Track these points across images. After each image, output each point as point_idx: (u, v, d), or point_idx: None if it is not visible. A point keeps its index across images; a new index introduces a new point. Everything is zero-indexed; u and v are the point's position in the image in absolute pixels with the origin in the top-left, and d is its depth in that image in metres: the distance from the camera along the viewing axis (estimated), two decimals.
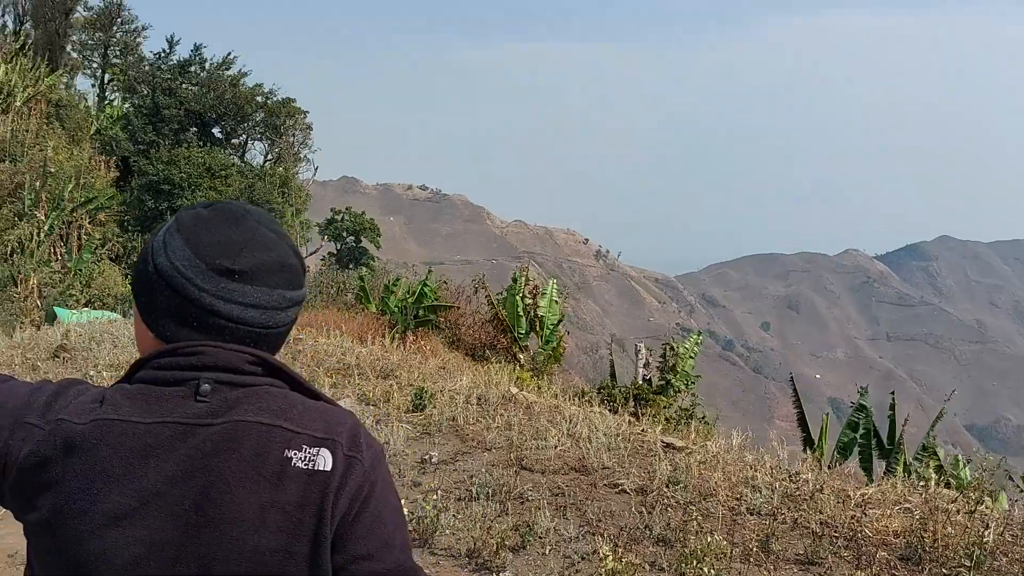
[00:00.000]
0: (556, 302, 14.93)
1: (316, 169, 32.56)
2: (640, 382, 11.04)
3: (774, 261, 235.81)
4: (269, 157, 31.02)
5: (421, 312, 12.94)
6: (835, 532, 5.41)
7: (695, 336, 14.38)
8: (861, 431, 12.64)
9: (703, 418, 12.78)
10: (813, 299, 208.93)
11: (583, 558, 5.06)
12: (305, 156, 31.59)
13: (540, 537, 5.33)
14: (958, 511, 5.44)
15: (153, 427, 1.15)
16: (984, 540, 5.18)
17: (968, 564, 4.95)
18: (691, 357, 13.42)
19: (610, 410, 8.12)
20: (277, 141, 30.69)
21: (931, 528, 5.32)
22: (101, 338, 9.28)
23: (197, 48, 29.97)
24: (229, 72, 29.69)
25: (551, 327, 14.55)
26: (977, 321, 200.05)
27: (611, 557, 4.25)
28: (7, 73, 26.83)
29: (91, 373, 8.06)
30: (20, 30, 32.40)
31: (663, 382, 13.13)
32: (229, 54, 30.16)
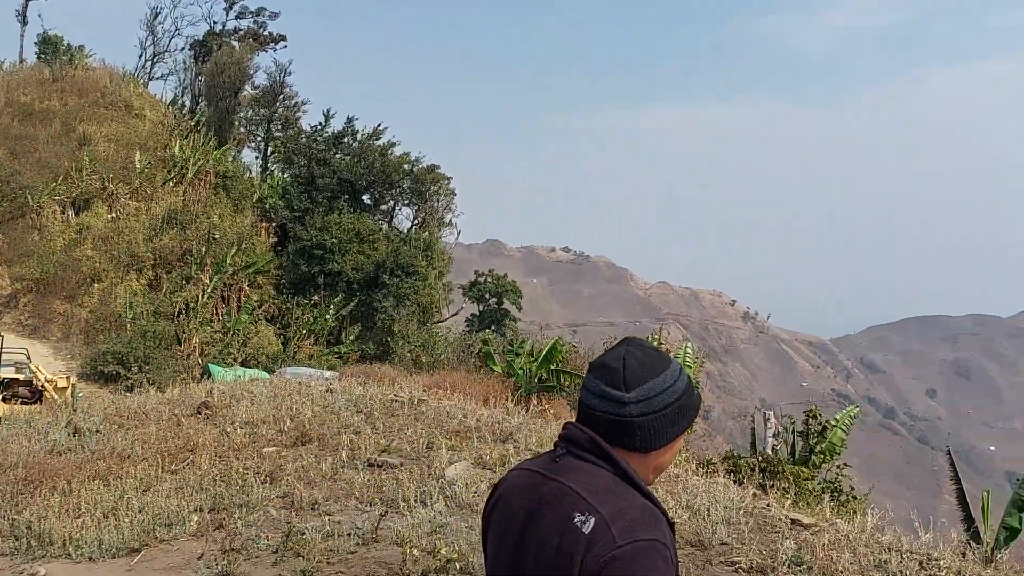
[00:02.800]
0: (690, 367, 14.52)
1: (459, 232, 33.58)
2: (770, 452, 10.46)
3: (940, 323, 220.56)
4: (415, 222, 32.32)
5: (545, 375, 12.91)
6: None
7: (852, 408, 13.54)
8: None
9: (851, 492, 11.95)
10: (985, 364, 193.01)
11: None
12: (449, 220, 32.68)
13: None
14: None
15: (529, 472, 1.81)
16: None
17: None
18: (842, 429, 12.61)
19: (735, 482, 7.72)
20: (423, 207, 31.96)
21: None
22: (240, 395, 9.83)
23: (350, 120, 31.94)
24: (379, 142, 31.38)
25: None
26: None
27: None
28: (182, 149, 29.55)
29: (227, 429, 8.52)
30: (196, 109, 35.75)
31: (806, 452, 12.41)
32: (379, 125, 31.93)
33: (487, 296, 42.01)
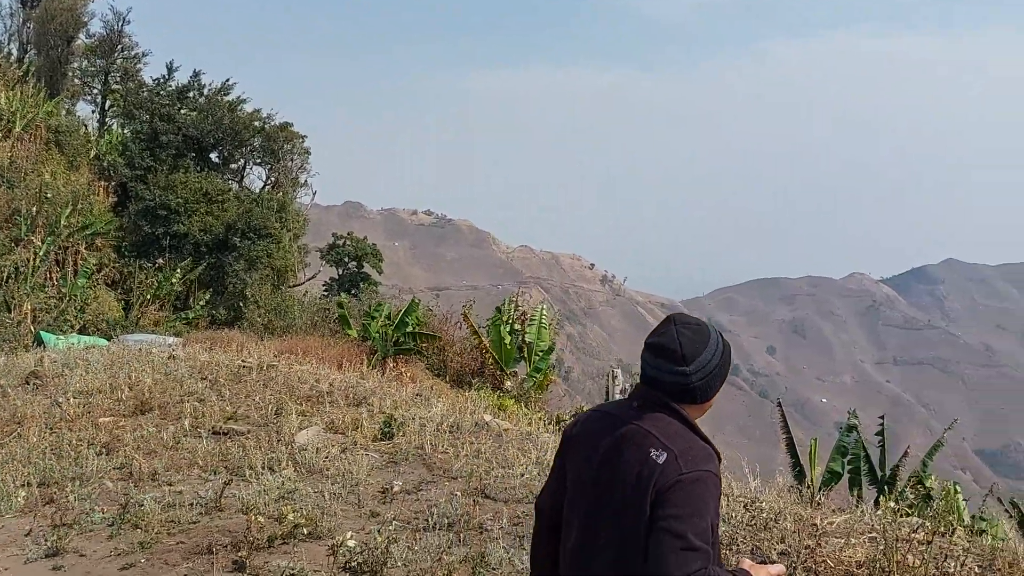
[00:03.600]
0: (545, 328, 14.84)
1: (315, 194, 32.64)
2: None
3: (780, 285, 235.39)
4: (268, 182, 31.13)
5: (402, 339, 12.86)
6: (794, 562, 5.29)
7: None
8: (850, 456, 12.50)
9: None
10: (819, 323, 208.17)
11: None
12: (304, 180, 31.69)
13: (493, 569, 5.23)
14: (922, 541, 5.31)
15: (608, 415, 2.38)
16: (948, 571, 5.07)
17: None
18: None
19: None
20: (275, 166, 30.81)
21: (894, 559, 5.20)
22: (75, 364, 9.24)
23: (196, 74, 30.17)
24: (227, 98, 29.85)
25: (540, 354, 14.45)
26: (985, 345, 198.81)
27: None
28: (8, 100, 27.08)
29: (60, 400, 8.01)
30: (24, 57, 32.78)
31: None
32: (227, 80, 30.37)
33: (346, 259, 41.15)
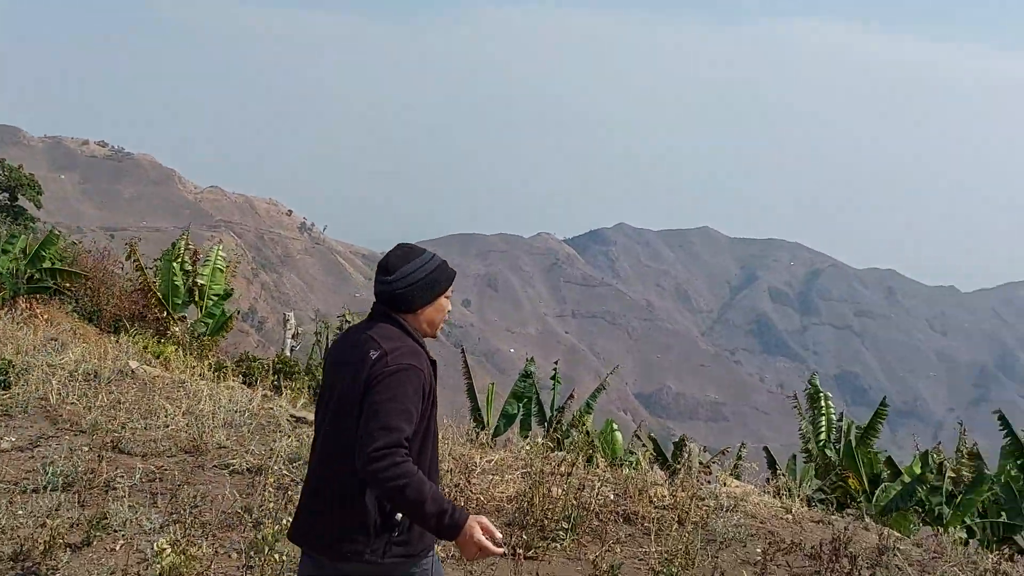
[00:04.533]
0: (221, 271, 13.76)
1: None
2: (288, 353, 10.41)
3: (476, 241, 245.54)
4: None
5: (37, 275, 11.14)
6: (455, 500, 5.29)
7: None
8: (524, 400, 13.19)
9: None
10: (510, 278, 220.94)
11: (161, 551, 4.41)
12: None
13: (115, 530, 4.59)
14: (562, 474, 5.59)
15: (354, 328, 2.79)
16: (585, 502, 5.37)
17: (567, 526, 5.08)
18: None
19: (247, 384, 7.44)
20: None
21: (539, 492, 5.39)
22: None
23: None
24: None
25: (214, 298, 13.38)
26: (647, 301, 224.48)
27: (169, 550, 3.67)
28: None
29: None
30: None
31: None
32: None
33: None
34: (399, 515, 2.54)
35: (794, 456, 9.55)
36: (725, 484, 5.88)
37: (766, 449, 11.60)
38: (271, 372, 8.49)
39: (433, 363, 2.70)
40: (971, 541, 9.31)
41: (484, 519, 2.51)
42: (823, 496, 8.31)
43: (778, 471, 8.95)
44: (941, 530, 8.45)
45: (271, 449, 5.89)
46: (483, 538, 2.47)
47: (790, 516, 5.22)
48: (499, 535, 2.52)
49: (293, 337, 10.91)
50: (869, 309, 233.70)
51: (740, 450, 10.78)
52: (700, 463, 9.22)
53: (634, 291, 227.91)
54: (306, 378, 9.02)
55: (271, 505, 4.79)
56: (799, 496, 5.80)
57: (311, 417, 6.76)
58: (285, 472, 5.56)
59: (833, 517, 5.55)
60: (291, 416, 6.61)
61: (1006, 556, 8.93)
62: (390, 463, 2.39)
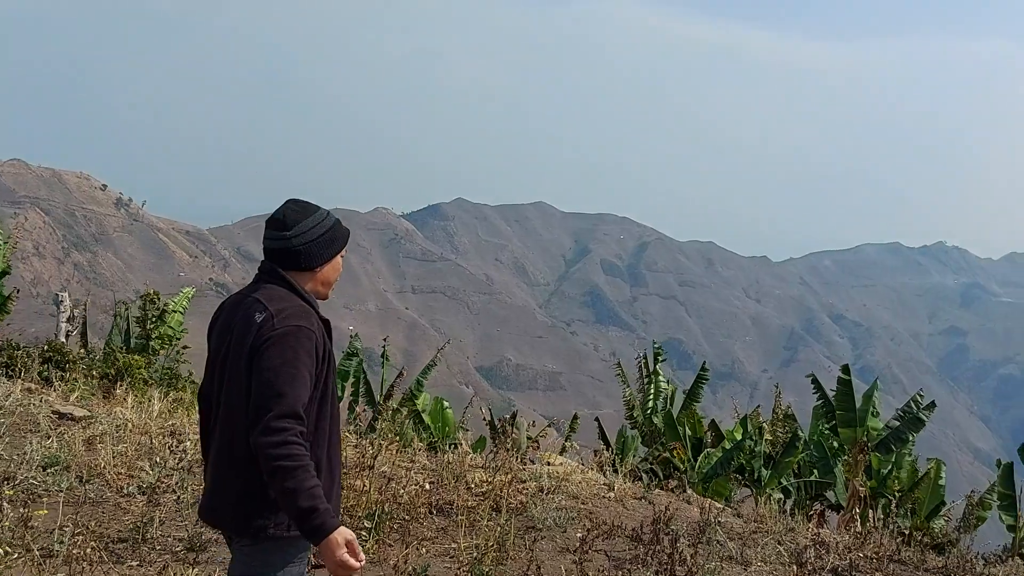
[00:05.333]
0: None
1: None
2: (63, 339, 9.23)
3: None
4: None
5: None
6: None
7: (188, 290, 13.02)
8: (352, 379, 12.52)
9: (189, 378, 11.53)
10: (347, 255, 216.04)
11: None
12: None
13: None
14: (367, 466, 5.06)
15: (238, 294, 2.65)
16: (395, 494, 4.89)
17: (369, 525, 4.58)
18: (179, 312, 12.04)
19: (7, 376, 6.37)
20: None
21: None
22: None
23: None
24: None
25: None
26: (486, 275, 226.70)
27: None
28: None
29: None
30: None
31: (143, 339, 11.60)
32: None
33: None
34: None
35: (624, 426, 9.52)
36: (548, 463, 5.56)
37: (597, 420, 11.60)
38: (38, 361, 7.38)
39: (326, 323, 2.61)
40: (787, 502, 9.64)
41: (351, 534, 2.39)
42: (649, 466, 8.27)
43: (607, 443, 8.84)
44: (758, 492, 8.66)
45: (23, 453, 4.97)
46: (345, 555, 2.35)
47: (612, 494, 4.95)
48: (362, 555, 2.42)
49: (68, 320, 9.65)
50: (691, 279, 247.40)
51: (573, 423, 10.68)
52: (528, 438, 8.96)
53: (473, 266, 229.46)
54: (84, 366, 7.94)
55: (6, 523, 3.96)
56: (622, 471, 5.57)
57: (80, 413, 5.83)
58: (37, 481, 4.69)
59: (656, 493, 5.35)
60: (55, 412, 5.66)
61: (818, 513, 9.21)
62: (282, 440, 2.29)
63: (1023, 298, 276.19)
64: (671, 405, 10.36)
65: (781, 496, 9.26)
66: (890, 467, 9.28)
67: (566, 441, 8.72)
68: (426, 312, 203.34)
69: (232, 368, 2.48)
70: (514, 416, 9.39)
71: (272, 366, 2.36)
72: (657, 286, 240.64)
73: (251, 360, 2.41)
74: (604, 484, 5.05)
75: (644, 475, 6.87)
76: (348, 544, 2.36)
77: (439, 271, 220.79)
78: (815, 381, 10.06)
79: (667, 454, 7.95)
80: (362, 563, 2.40)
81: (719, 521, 4.78)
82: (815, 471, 9.80)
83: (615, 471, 5.59)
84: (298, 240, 2.55)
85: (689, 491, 5.56)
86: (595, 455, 7.12)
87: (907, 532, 9.99)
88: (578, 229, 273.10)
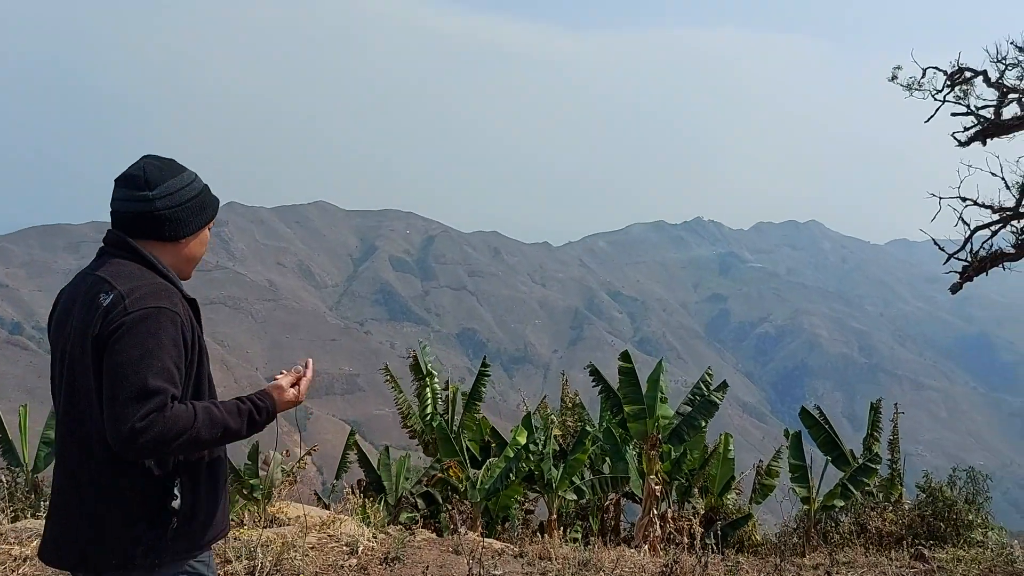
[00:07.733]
0: None
1: None
2: None
3: (62, 233, 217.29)
4: None
5: None
6: None
7: None
8: None
9: None
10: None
11: None
12: None
13: None
14: None
15: (80, 275, 2.18)
16: None
17: None
18: None
19: None
20: None
21: None
22: None
23: None
24: None
25: None
26: (268, 281, 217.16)
27: None
28: None
29: None
30: None
31: None
32: None
33: None
34: (176, 502, 1.99)
35: (387, 448, 8.29)
36: (275, 519, 4.25)
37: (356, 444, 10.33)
38: None
39: (191, 302, 2.16)
40: (580, 503, 8.92)
41: (278, 380, 2.28)
42: (424, 489, 7.14)
43: (369, 474, 7.61)
44: (551, 498, 7.85)
45: None
46: (292, 390, 2.28)
47: (355, 561, 3.73)
48: (300, 368, 2.32)
49: None
50: (480, 269, 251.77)
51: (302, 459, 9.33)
52: (284, 472, 7.56)
53: (254, 272, 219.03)
54: None
55: None
56: (376, 519, 4.37)
57: None
58: None
59: (419, 543, 4.21)
60: None
61: (614, 503, 8.44)
62: (157, 428, 1.88)
63: (770, 263, 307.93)
64: (452, 409, 9.37)
65: (575, 497, 8.49)
66: (683, 450, 8.86)
67: (335, 488, 7.40)
68: (206, 325, 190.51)
69: (76, 368, 2.02)
70: (265, 458, 7.93)
71: (128, 359, 1.93)
72: (447, 278, 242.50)
73: (98, 355, 1.97)
74: (345, 547, 3.84)
75: (412, 509, 5.77)
76: (285, 384, 2.27)
77: (216, 280, 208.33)
78: (595, 372, 9.45)
79: (442, 474, 6.90)
80: (310, 371, 2.35)
81: (492, 574, 3.72)
82: (607, 461, 9.21)
83: (366, 521, 4.40)
84: (163, 203, 2.13)
85: (462, 530, 4.52)
86: (352, 491, 5.90)
87: (704, 512, 9.57)
88: (363, 227, 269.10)
